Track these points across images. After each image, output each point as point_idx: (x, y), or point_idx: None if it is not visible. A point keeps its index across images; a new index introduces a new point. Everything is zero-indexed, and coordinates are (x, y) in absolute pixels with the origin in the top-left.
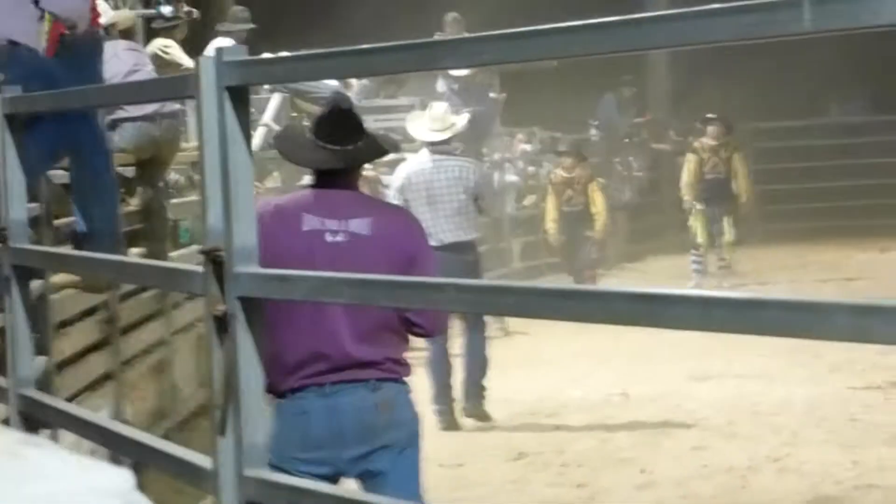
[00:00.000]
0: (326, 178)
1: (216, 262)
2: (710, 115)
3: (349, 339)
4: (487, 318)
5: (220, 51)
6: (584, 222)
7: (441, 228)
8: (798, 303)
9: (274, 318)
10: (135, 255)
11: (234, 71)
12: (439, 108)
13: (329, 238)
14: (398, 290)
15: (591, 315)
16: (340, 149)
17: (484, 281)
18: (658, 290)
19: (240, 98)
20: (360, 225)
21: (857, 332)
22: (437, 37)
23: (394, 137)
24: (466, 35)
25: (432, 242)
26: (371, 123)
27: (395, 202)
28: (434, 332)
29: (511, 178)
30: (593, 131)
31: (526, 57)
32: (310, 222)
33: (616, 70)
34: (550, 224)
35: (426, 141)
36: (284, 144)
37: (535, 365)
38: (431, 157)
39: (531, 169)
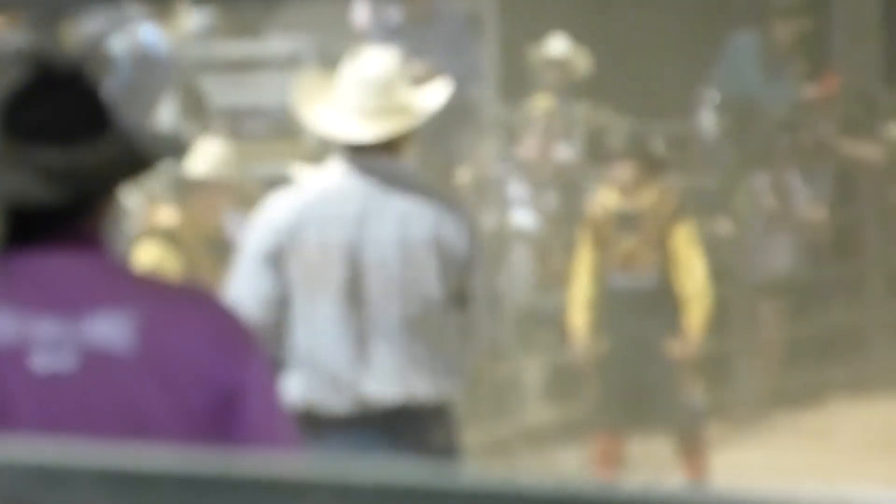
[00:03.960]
0: (31, 228)
1: None
2: None
3: None
4: None
5: None
6: (662, 312)
7: (372, 362)
8: None
9: None
10: None
11: None
12: (380, 58)
13: (40, 361)
14: (206, 491)
15: None
16: (60, 158)
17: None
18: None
19: None
20: (109, 328)
21: None
22: None
23: (180, 136)
24: None
25: (343, 401)
26: (218, 96)
27: (252, 285)
28: None
29: (522, 219)
30: (707, 114)
31: None
32: None
33: None
34: (577, 314)
35: (347, 142)
36: None
37: None
38: (361, 179)
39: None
